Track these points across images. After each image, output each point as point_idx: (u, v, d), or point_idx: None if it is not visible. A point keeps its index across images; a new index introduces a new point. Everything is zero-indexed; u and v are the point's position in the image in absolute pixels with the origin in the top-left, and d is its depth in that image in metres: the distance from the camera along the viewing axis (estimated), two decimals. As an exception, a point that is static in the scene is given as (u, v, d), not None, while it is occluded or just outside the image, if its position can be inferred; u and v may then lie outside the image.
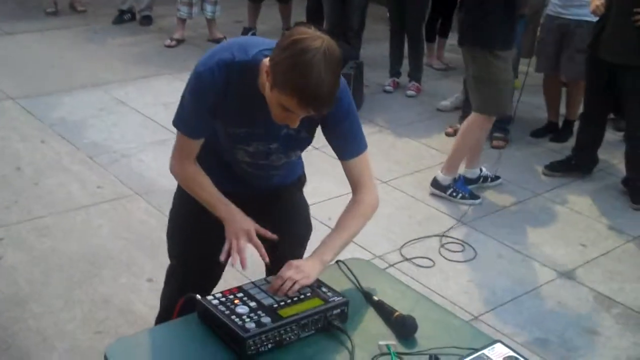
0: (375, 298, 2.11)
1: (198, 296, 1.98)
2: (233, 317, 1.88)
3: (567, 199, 4.57)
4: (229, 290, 2.01)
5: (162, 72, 6.36)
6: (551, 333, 3.31)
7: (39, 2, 8.33)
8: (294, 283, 2.00)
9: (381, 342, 1.90)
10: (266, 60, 1.93)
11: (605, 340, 3.30)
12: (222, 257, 2.15)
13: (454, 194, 4.44)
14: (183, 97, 2.10)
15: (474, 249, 3.94)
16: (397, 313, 2.03)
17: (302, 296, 2.00)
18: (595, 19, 4.53)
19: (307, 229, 2.59)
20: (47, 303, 3.30)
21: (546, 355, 3.16)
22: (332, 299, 2.00)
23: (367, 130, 4.78)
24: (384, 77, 6.41)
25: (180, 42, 7.28)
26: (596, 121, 4.75)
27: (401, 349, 1.92)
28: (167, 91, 5.77)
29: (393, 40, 6.28)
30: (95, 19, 8.02)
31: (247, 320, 1.87)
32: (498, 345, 1.90)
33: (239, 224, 2.17)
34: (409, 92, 6.21)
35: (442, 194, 4.46)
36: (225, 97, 2.03)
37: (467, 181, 4.58)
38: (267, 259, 2.19)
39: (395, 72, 6.36)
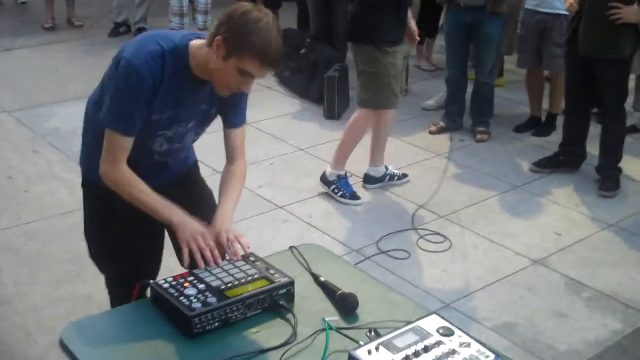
0: (322, 279, 2.21)
1: (151, 281, 2.10)
2: (181, 298, 1.99)
3: (546, 191, 4.65)
4: (180, 274, 2.13)
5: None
6: (521, 317, 3.40)
7: (37, 18, 8.51)
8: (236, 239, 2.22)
9: (324, 319, 2.01)
10: (194, 42, 2.19)
11: (574, 322, 3.39)
12: (185, 264, 2.22)
13: (335, 190, 4.45)
14: (115, 97, 2.18)
15: (449, 240, 4.04)
16: (340, 291, 2.13)
17: (249, 277, 2.11)
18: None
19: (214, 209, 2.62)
20: (32, 301, 3.43)
21: (514, 338, 3.26)
22: (277, 280, 2.11)
23: None
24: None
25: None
26: (579, 115, 4.82)
27: (343, 324, 2.02)
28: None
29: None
30: (92, 32, 8.18)
31: (194, 300, 1.98)
32: (433, 317, 1.99)
33: (193, 227, 2.23)
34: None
35: (327, 189, 4.50)
36: (160, 86, 2.17)
37: (372, 179, 4.62)
38: (220, 261, 2.21)
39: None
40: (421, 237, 4.07)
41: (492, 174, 4.86)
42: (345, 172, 4.50)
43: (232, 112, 2.42)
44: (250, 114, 2.54)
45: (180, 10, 7.22)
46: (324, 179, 4.51)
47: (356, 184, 4.61)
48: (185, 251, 2.21)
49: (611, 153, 4.66)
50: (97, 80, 2.40)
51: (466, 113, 5.58)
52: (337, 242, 3.99)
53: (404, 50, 4.40)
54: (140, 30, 8.04)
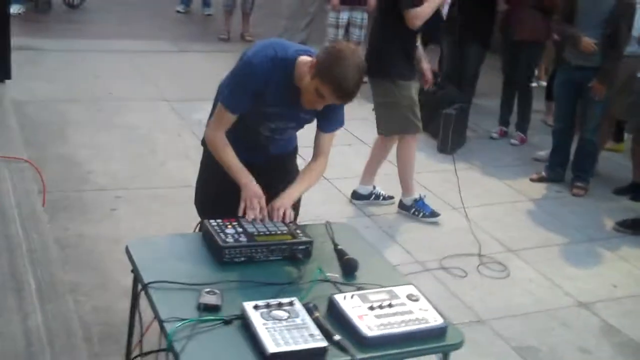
0: (339, 247, 2.74)
1: (205, 220, 2.72)
2: (220, 234, 2.60)
3: (619, 248, 4.88)
4: (227, 219, 2.73)
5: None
6: (545, 345, 3.71)
7: (216, 30, 9.60)
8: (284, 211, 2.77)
9: (318, 268, 2.54)
10: (302, 58, 2.74)
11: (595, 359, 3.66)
12: (240, 213, 2.79)
13: (416, 213, 4.93)
14: (232, 81, 2.83)
15: (509, 270, 4.40)
16: (347, 256, 2.65)
17: (278, 232, 2.68)
18: None
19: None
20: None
21: (533, 360, 3.60)
22: (300, 237, 2.66)
23: (459, 166, 5.38)
24: (494, 126, 6.91)
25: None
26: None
27: (338, 280, 2.54)
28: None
29: (505, 91, 6.79)
30: (259, 47, 9.10)
31: (229, 237, 2.58)
32: (410, 287, 2.46)
33: (253, 189, 2.82)
34: (513, 141, 6.68)
35: (408, 214, 4.94)
36: (267, 83, 2.76)
37: (359, 196, 5.07)
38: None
39: (503, 121, 6.85)
40: (483, 263, 4.45)
41: (574, 225, 5.14)
42: (419, 195, 4.99)
43: (326, 119, 2.95)
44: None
45: (335, 39, 7.93)
46: (402, 206, 5.02)
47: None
48: (242, 206, 2.80)
49: None
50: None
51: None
52: (405, 251, 4.47)
53: (417, 85, 4.84)
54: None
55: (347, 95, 2.66)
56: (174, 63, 8.21)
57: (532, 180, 5.84)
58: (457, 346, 2.31)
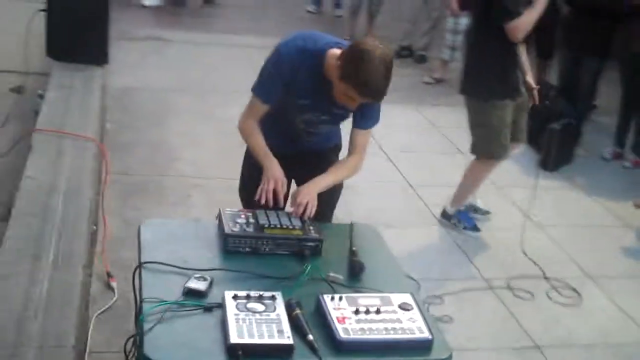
0: (354, 248, 2.64)
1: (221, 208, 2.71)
2: (230, 223, 2.58)
3: None
4: (244, 209, 2.71)
5: (404, 102, 7.10)
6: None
7: (343, 31, 9.58)
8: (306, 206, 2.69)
9: (306, 265, 2.46)
10: (332, 51, 2.67)
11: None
12: (256, 196, 2.79)
13: (456, 223, 4.68)
14: (263, 70, 2.83)
15: (581, 297, 4.10)
16: (356, 258, 2.55)
17: (290, 226, 2.63)
18: None
19: (337, 188, 3.09)
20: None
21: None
22: (310, 234, 2.60)
23: (557, 184, 5.20)
24: (609, 145, 6.48)
25: (439, 81, 7.99)
26: None
27: (340, 280, 2.45)
28: (402, 117, 6.53)
29: (622, 110, 6.34)
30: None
31: (237, 227, 2.56)
32: (406, 295, 2.34)
33: (274, 171, 2.81)
34: (626, 164, 6.23)
35: (448, 223, 4.70)
36: (297, 74, 2.73)
37: (447, 216, 4.75)
38: (278, 204, 2.77)
39: (618, 141, 6.40)
40: (554, 287, 4.17)
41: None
42: (466, 206, 4.76)
43: (361, 116, 2.87)
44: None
45: (453, 44, 7.77)
46: (444, 214, 4.77)
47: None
48: (261, 188, 2.78)
49: None
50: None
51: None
52: (473, 265, 4.28)
53: (514, 103, 4.39)
54: (421, 57, 8.75)
55: (376, 95, 2.59)
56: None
57: (636, 205, 5.41)
58: (446, 360, 2.17)
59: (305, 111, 2.86)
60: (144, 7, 9.56)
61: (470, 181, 4.69)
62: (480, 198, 4.98)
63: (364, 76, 2.50)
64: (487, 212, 4.97)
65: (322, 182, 2.85)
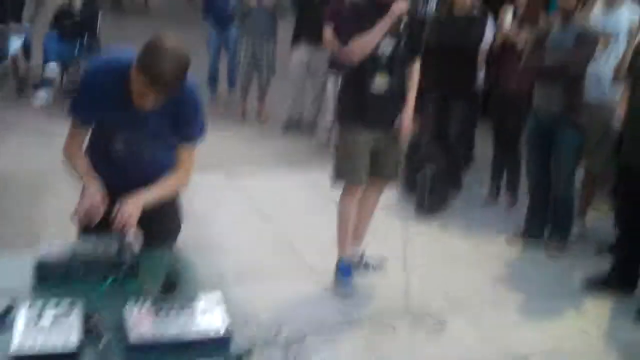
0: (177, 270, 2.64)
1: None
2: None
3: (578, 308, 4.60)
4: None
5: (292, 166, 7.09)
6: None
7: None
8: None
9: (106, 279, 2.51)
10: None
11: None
12: (72, 215, 2.80)
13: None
14: (75, 92, 2.93)
15: (444, 327, 4.19)
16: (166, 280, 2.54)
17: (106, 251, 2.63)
18: None
19: (175, 224, 3.15)
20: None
21: None
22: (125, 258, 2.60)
23: (430, 229, 5.73)
24: (486, 188, 6.54)
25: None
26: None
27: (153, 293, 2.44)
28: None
29: (495, 151, 6.42)
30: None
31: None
32: (216, 295, 2.37)
33: (90, 189, 2.80)
34: (501, 204, 6.36)
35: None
36: (104, 87, 2.75)
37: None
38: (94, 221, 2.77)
39: (494, 183, 6.44)
40: (416, 319, 4.23)
41: (536, 284, 4.88)
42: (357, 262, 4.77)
43: (181, 132, 2.89)
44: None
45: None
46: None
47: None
48: (77, 205, 2.80)
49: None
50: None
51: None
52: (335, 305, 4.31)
53: (372, 136, 4.39)
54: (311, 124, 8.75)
55: (158, 81, 2.58)
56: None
57: (508, 242, 5.55)
58: (240, 357, 2.18)
59: (120, 127, 2.87)
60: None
61: (340, 219, 4.57)
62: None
63: (150, 60, 2.56)
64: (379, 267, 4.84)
65: (147, 195, 2.84)
